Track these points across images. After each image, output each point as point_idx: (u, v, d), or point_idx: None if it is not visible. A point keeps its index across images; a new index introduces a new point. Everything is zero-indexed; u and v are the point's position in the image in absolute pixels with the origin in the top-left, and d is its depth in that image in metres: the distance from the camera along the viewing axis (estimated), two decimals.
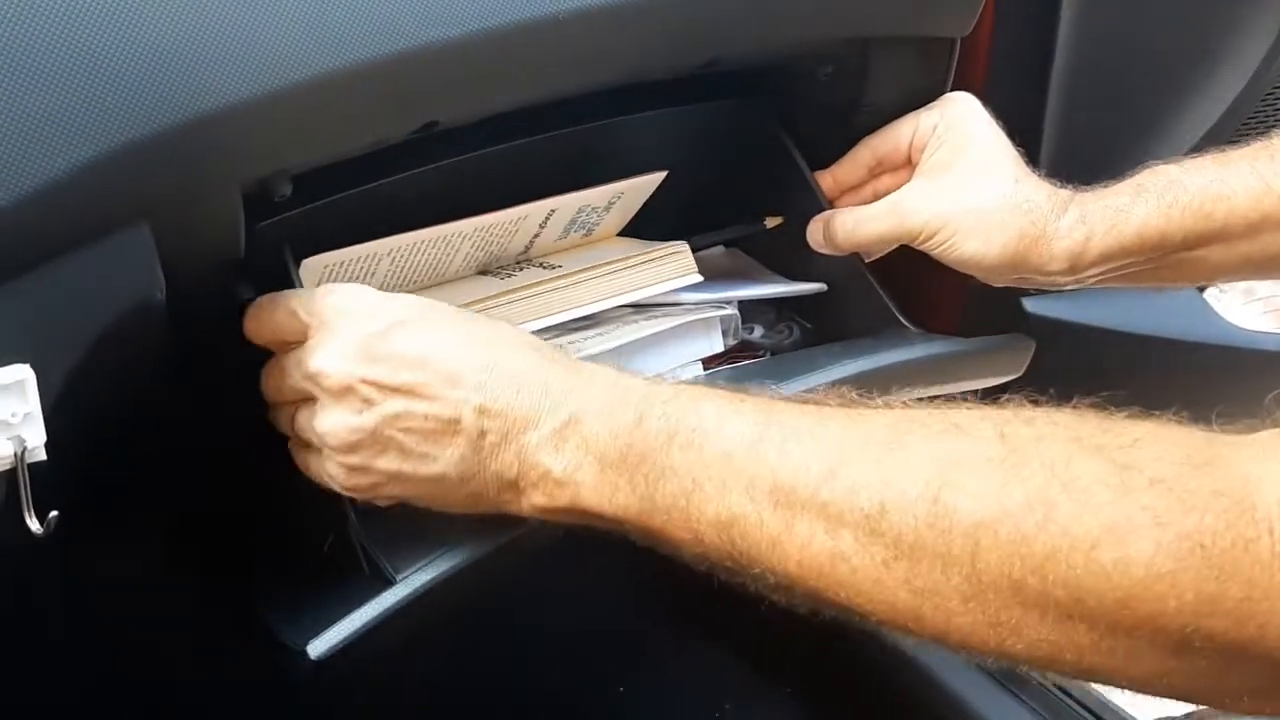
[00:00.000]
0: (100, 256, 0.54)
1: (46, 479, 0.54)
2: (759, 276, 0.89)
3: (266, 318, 0.62)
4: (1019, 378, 0.97)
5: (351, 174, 0.68)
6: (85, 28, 0.51)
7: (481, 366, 0.58)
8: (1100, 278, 0.78)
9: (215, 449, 0.73)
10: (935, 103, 0.81)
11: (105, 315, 0.55)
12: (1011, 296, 1.09)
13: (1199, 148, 1.00)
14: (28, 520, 0.54)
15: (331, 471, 0.60)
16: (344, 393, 0.58)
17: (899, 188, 0.80)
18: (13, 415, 0.52)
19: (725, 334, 0.82)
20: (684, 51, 0.72)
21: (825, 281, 0.86)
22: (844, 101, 0.84)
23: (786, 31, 0.75)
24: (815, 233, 0.83)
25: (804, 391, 0.68)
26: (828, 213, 0.83)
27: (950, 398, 0.54)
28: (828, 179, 0.85)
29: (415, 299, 0.61)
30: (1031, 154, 1.01)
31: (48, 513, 0.54)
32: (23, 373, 0.52)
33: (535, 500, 0.58)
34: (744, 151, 0.86)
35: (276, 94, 0.55)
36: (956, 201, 0.76)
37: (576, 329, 0.75)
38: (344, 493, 0.61)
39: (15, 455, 0.53)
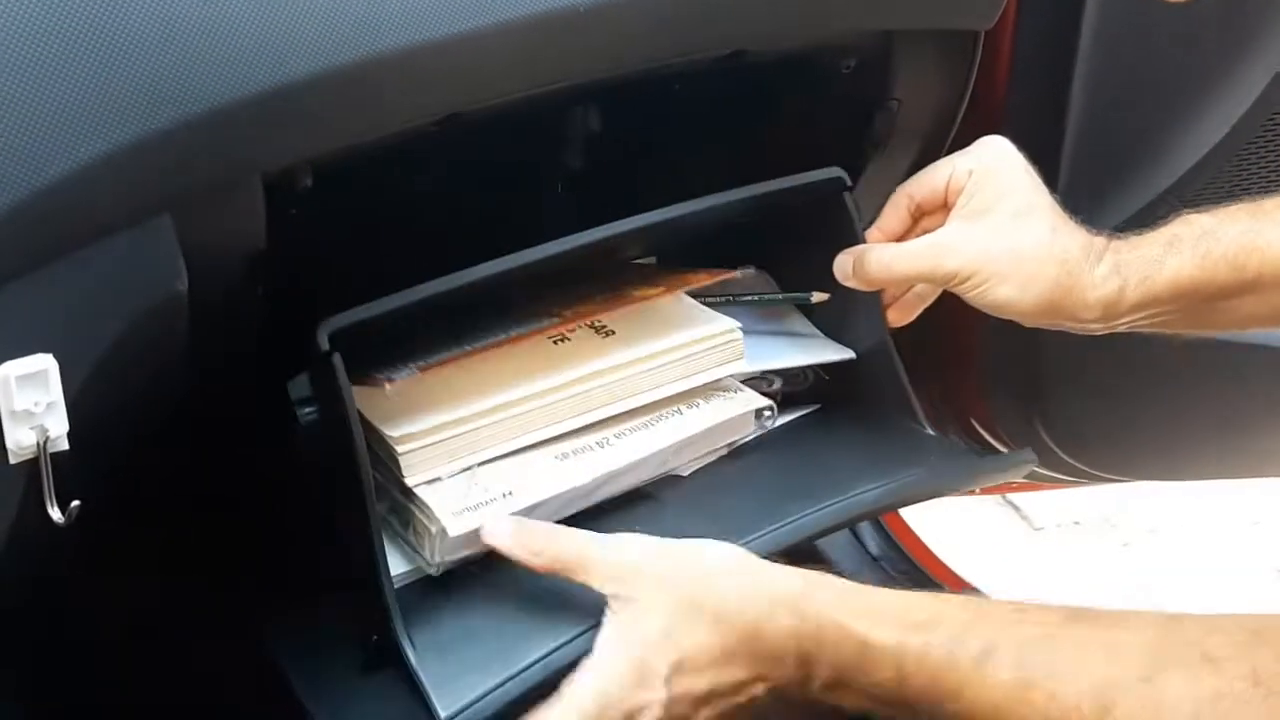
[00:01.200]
0: (123, 247, 0.54)
1: (68, 469, 0.54)
2: (789, 325, 0.88)
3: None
4: None
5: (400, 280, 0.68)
6: (108, 19, 0.51)
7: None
8: (1133, 325, 0.77)
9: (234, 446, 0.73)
10: (971, 146, 0.80)
11: (128, 306, 0.56)
12: None
13: (1220, 151, 1.00)
14: (50, 509, 0.54)
15: None
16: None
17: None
18: (35, 404, 0.52)
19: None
20: (707, 40, 0.72)
21: (853, 346, 0.86)
22: (868, 96, 0.83)
23: (810, 22, 0.74)
24: (844, 265, 0.80)
25: None
26: (860, 246, 0.80)
27: None
28: (875, 233, 0.83)
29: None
30: (1054, 151, 1.01)
31: (69, 502, 0.54)
32: (45, 362, 0.52)
33: None
34: (806, 206, 0.84)
35: (297, 84, 0.55)
36: (993, 246, 0.75)
37: (622, 419, 0.76)
38: None
39: (38, 444, 0.53)
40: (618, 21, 0.65)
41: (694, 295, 0.82)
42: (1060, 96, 0.99)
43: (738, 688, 0.58)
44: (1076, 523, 2.07)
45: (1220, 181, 1.03)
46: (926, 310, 1.14)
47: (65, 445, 0.54)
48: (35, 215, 0.50)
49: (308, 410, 0.68)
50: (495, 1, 0.60)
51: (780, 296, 0.86)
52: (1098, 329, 0.78)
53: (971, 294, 0.76)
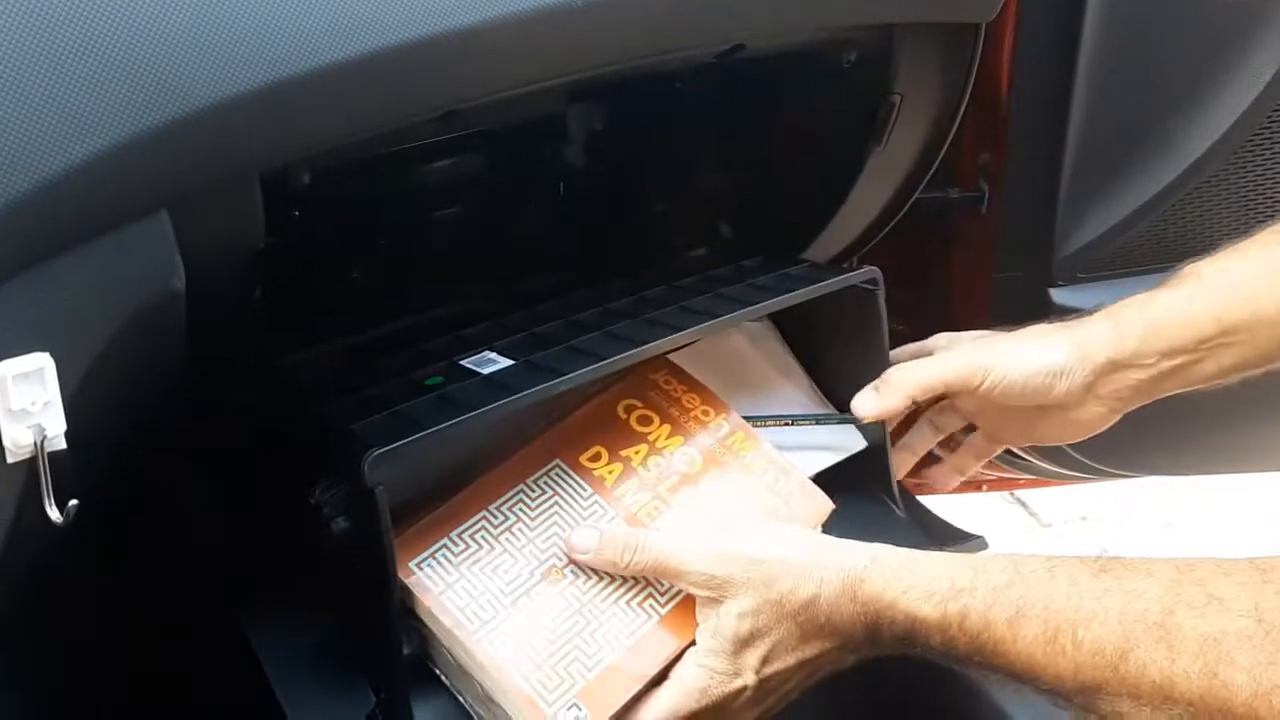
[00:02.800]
0: (120, 245, 0.54)
1: (66, 468, 0.54)
2: (804, 398, 0.89)
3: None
4: None
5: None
6: (104, 16, 0.51)
7: None
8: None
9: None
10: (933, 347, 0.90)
11: (125, 304, 0.55)
12: (1039, 287, 1.09)
13: (1224, 145, 1.00)
14: (48, 509, 0.54)
15: None
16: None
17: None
18: (32, 404, 0.52)
19: None
20: (707, 35, 0.71)
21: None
22: (869, 90, 0.83)
23: (810, 16, 0.74)
24: (866, 404, 0.85)
25: None
26: (879, 379, 0.85)
27: None
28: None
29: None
30: (1057, 145, 1.01)
31: (67, 501, 0.54)
32: (42, 361, 0.52)
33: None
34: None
35: (294, 80, 0.55)
36: (1000, 356, 0.85)
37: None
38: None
39: (35, 444, 0.53)
40: (615, 16, 0.65)
41: (750, 418, 0.82)
42: (1063, 90, 0.98)
43: (819, 657, 0.69)
44: (1084, 519, 2.06)
45: (1224, 175, 1.03)
46: (931, 306, 1.15)
47: (63, 444, 0.54)
48: (31, 213, 0.50)
49: (340, 522, 0.69)
50: None
51: (835, 416, 0.87)
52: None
53: (981, 391, 0.84)
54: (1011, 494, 2.04)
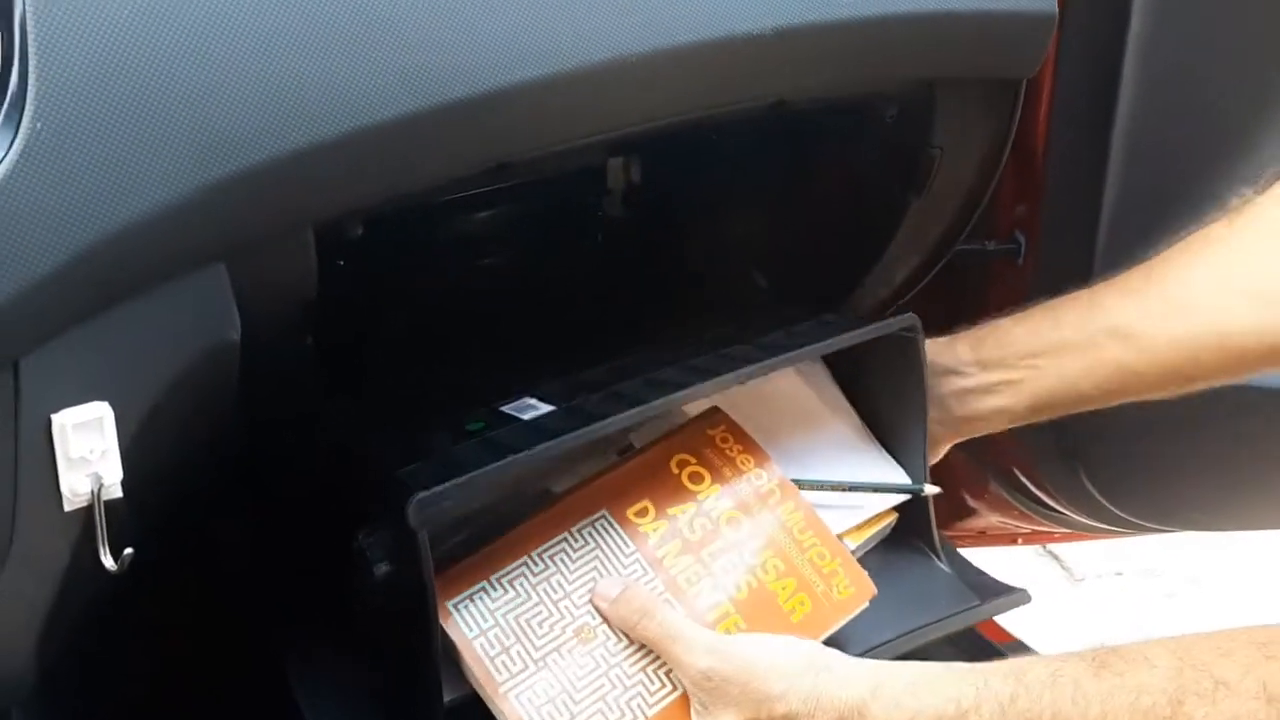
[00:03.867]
0: (178, 295, 0.55)
1: (120, 517, 0.54)
2: (854, 437, 0.89)
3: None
4: None
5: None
6: (167, 72, 0.52)
7: None
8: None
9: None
10: None
11: (182, 354, 0.56)
12: None
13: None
14: (103, 557, 0.54)
15: None
16: None
17: None
18: (91, 452, 0.52)
19: None
20: (751, 90, 0.72)
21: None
22: (910, 143, 0.84)
23: (854, 73, 0.75)
24: None
25: None
26: None
27: None
28: None
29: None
30: (1096, 193, 1.01)
31: (122, 550, 0.54)
32: (101, 410, 0.53)
33: None
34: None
35: (349, 136, 0.56)
36: None
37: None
38: None
39: (92, 492, 0.53)
40: (664, 71, 0.66)
41: (803, 482, 0.82)
42: (1101, 142, 0.98)
43: None
44: (1118, 573, 2.04)
45: None
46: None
47: (119, 493, 0.54)
48: (93, 264, 0.51)
49: (382, 566, 0.69)
50: (541, 55, 0.61)
51: (893, 485, 0.86)
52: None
53: None
54: (1044, 547, 2.02)
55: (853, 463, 0.87)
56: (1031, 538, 1.37)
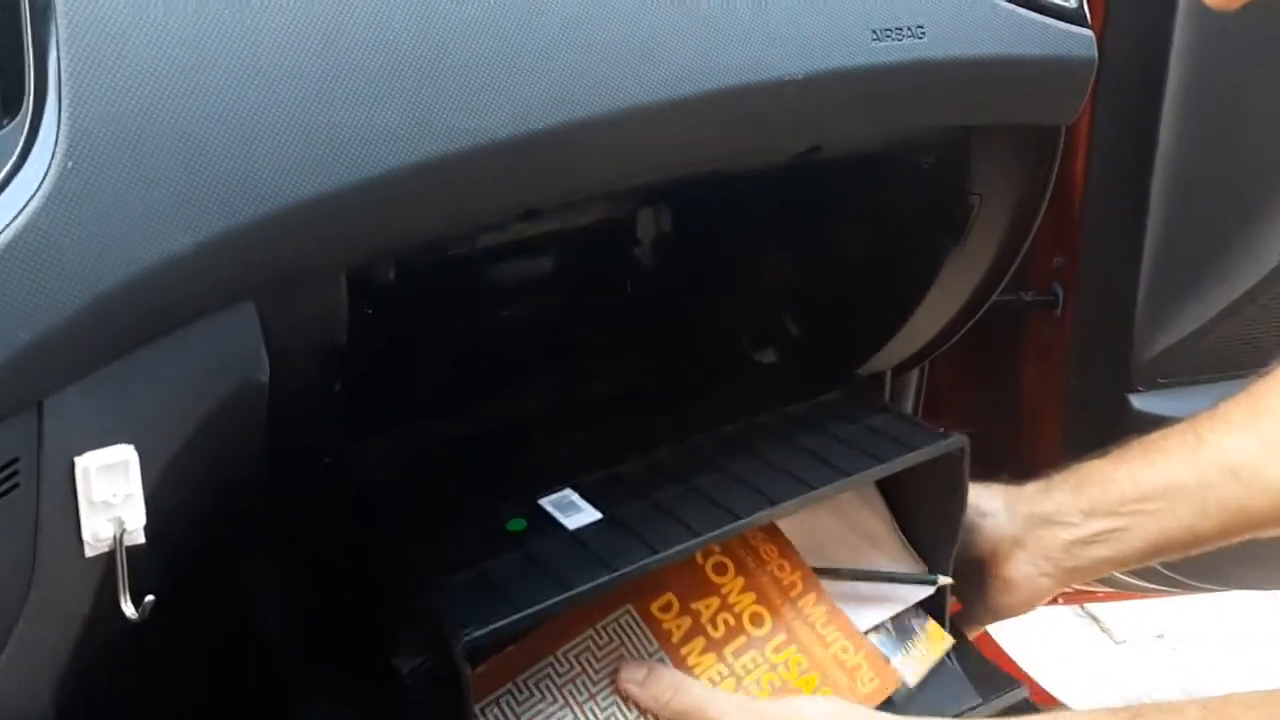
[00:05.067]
0: (206, 335, 0.54)
1: (142, 563, 0.53)
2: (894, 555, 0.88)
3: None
4: None
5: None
6: (192, 119, 0.51)
7: None
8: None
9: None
10: None
11: (210, 396, 0.55)
12: (1117, 393, 1.06)
13: None
14: (123, 604, 0.53)
15: None
16: None
17: None
18: (114, 495, 0.51)
19: None
20: (782, 137, 0.71)
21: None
22: (947, 190, 0.82)
23: (889, 119, 0.74)
24: None
25: None
26: None
27: None
28: None
29: None
30: (1135, 244, 0.99)
31: (143, 596, 0.53)
32: (126, 453, 0.52)
33: None
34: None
35: (379, 179, 0.55)
36: None
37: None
38: None
39: (115, 537, 0.52)
40: (687, 119, 0.65)
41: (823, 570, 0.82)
42: (1140, 190, 0.97)
43: None
44: (1159, 636, 1.99)
45: None
46: (1003, 410, 1.12)
47: (141, 538, 0.53)
48: (120, 305, 0.50)
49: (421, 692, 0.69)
50: (573, 100, 0.60)
51: (912, 576, 0.85)
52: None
53: None
54: (1083, 608, 1.97)
55: (872, 553, 0.86)
56: (1073, 597, 1.34)
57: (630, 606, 0.74)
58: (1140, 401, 1.05)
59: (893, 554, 0.86)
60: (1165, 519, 0.79)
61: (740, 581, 0.77)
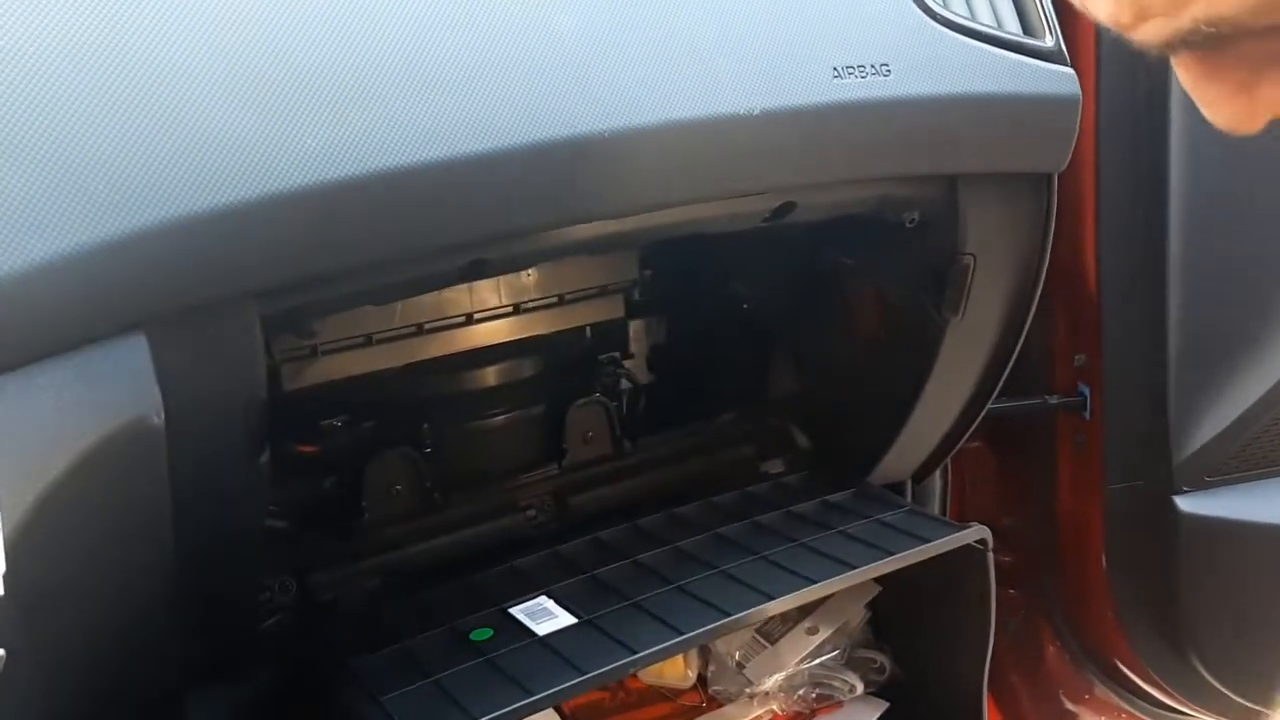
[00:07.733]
0: (87, 366, 0.49)
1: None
2: None
3: None
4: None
5: None
6: (78, 118, 0.48)
7: None
8: None
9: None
10: None
11: (89, 431, 0.49)
12: (1162, 495, 0.97)
13: None
14: None
15: None
16: None
17: None
18: None
19: None
20: (746, 181, 0.66)
21: (950, 683, 0.87)
22: (938, 253, 0.77)
23: (861, 164, 0.69)
24: None
25: None
26: None
27: None
28: None
29: None
30: (1159, 335, 0.92)
31: None
32: None
33: None
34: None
35: (285, 198, 0.51)
36: None
37: None
38: None
39: None
40: (643, 150, 0.61)
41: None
42: (1158, 277, 0.92)
43: None
44: None
45: None
46: (1040, 531, 1.03)
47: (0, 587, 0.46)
48: None
49: None
50: (489, 128, 0.56)
51: None
52: None
53: None
54: None
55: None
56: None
57: None
58: (1187, 504, 0.97)
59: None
60: None
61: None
